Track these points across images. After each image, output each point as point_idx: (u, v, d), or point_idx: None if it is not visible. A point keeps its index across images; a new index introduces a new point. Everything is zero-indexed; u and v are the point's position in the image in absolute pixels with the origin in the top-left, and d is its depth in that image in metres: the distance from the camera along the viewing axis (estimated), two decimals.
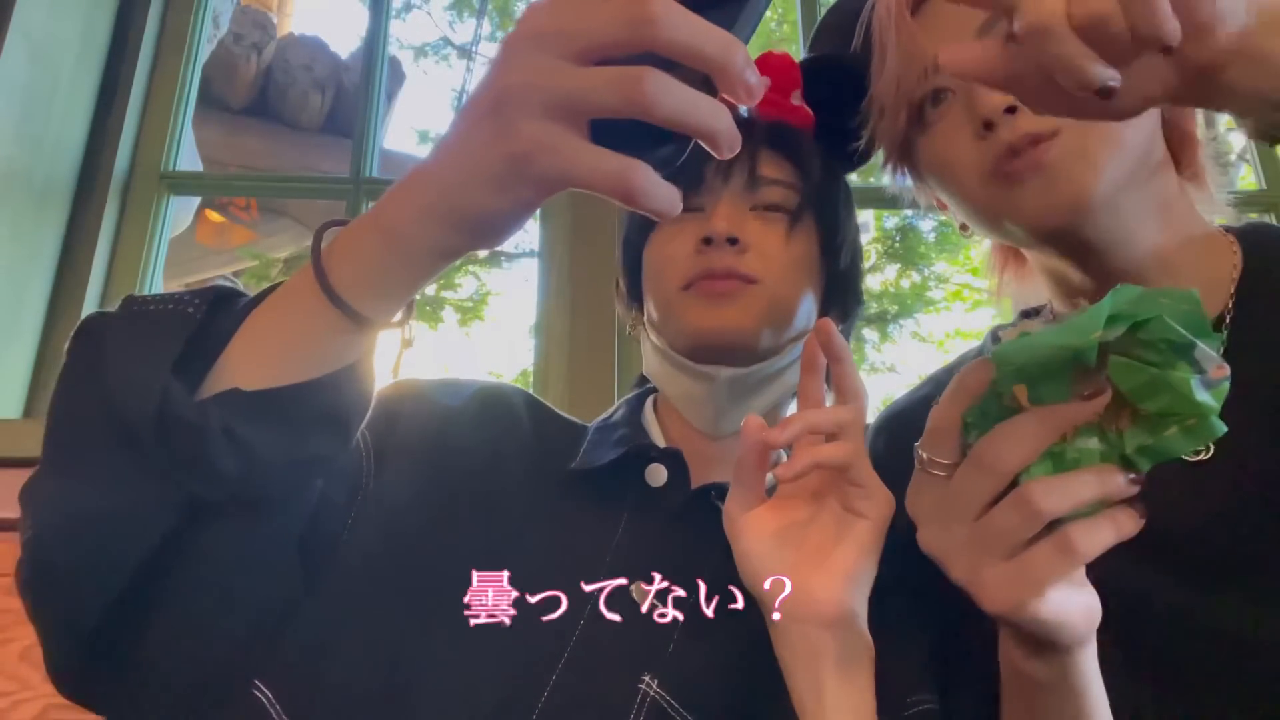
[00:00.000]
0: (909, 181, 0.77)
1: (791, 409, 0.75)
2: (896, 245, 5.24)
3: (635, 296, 0.78)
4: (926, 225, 5.20)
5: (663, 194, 0.37)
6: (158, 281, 1.34)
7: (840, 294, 0.77)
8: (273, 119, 4.43)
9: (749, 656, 0.57)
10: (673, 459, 0.68)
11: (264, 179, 3.15)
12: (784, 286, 0.70)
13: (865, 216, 5.31)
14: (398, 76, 3.94)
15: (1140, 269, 0.65)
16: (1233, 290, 0.66)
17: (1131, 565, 0.49)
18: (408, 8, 5.00)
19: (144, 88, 1.36)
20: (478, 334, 5.00)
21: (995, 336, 0.76)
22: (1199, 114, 0.70)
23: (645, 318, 0.76)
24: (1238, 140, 1.50)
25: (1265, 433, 0.57)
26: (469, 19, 5.31)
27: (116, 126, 1.31)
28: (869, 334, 5.44)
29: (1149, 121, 0.64)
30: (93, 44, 1.33)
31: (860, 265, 0.81)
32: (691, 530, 0.64)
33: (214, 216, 4.44)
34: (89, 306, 1.24)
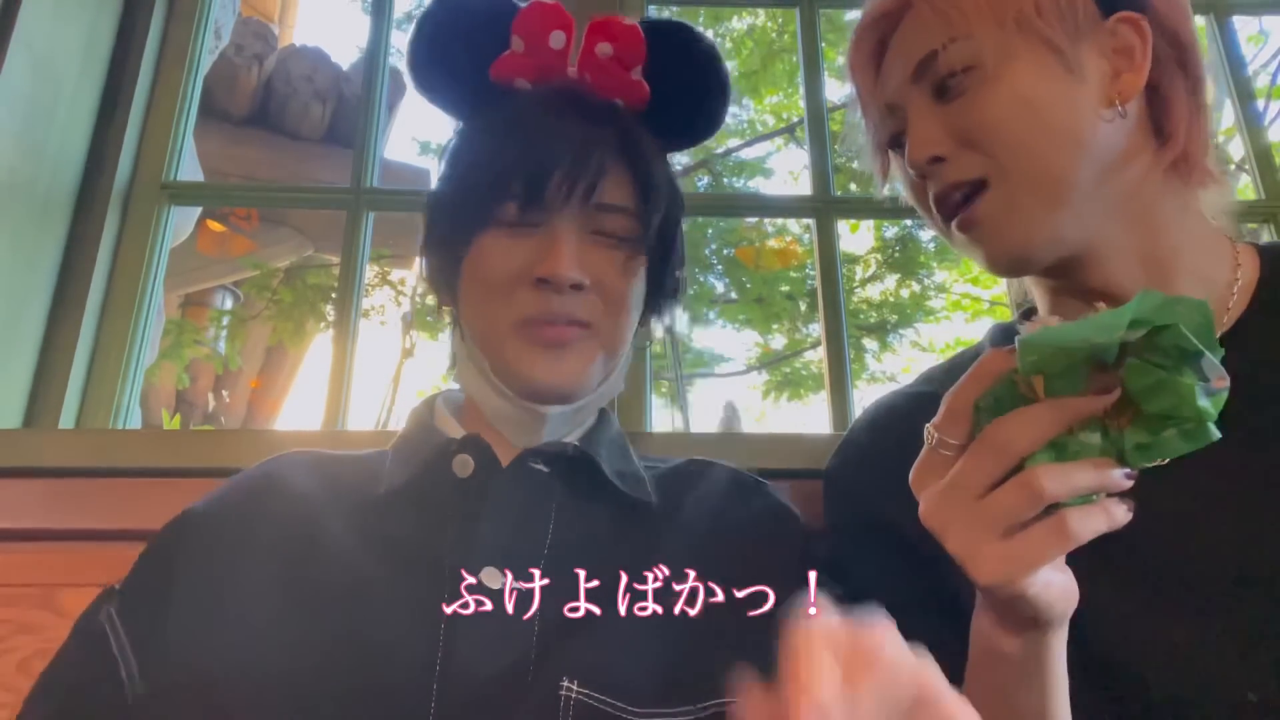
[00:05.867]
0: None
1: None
2: (896, 255, 5.25)
3: (447, 291, 0.73)
4: (926, 235, 5.21)
5: None
6: (159, 291, 1.35)
7: (660, 300, 0.75)
8: (274, 129, 4.45)
9: (611, 614, 0.57)
10: (473, 444, 0.65)
11: (265, 189, 3.16)
12: (617, 327, 0.68)
13: (864, 226, 5.32)
14: (399, 87, 3.95)
15: (1130, 281, 0.66)
16: (1243, 300, 0.66)
17: (1085, 574, 0.51)
18: (409, 18, 5.02)
19: (145, 98, 1.37)
20: None
21: (1001, 330, 0.77)
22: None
23: (464, 324, 0.71)
24: (1236, 150, 1.51)
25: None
26: None
27: (118, 137, 1.32)
28: (869, 343, 5.43)
29: (1111, 143, 0.64)
30: (95, 55, 1.33)
31: (684, 268, 0.78)
32: (519, 502, 0.63)
33: (215, 226, 4.45)
34: (90, 316, 1.24)
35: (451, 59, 0.73)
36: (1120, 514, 0.46)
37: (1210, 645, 0.56)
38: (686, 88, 0.74)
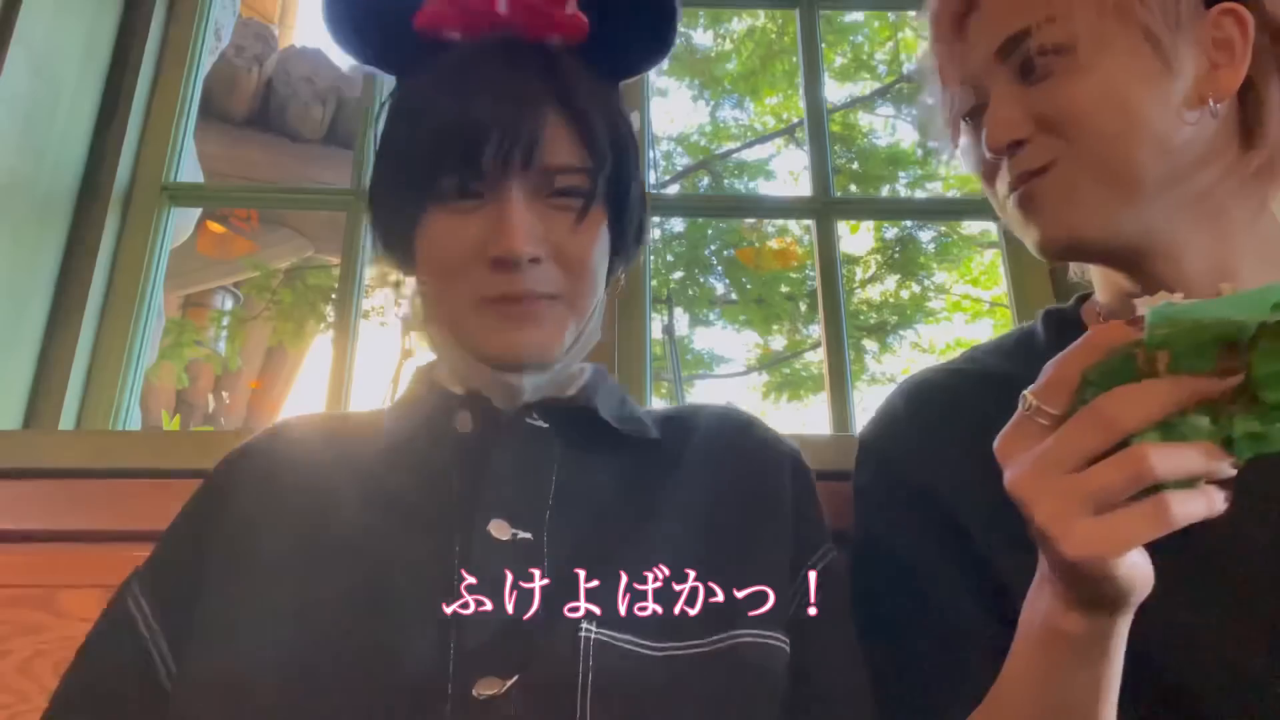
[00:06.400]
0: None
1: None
2: (896, 256, 5.25)
3: (404, 265, 0.70)
4: (926, 236, 5.21)
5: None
6: (159, 292, 1.35)
7: (626, 246, 0.71)
8: (274, 130, 4.45)
9: (598, 549, 0.60)
10: (474, 400, 0.67)
11: (265, 190, 3.16)
12: (583, 292, 0.65)
13: (864, 227, 5.32)
14: None
15: (1185, 280, 0.64)
16: None
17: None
18: None
19: (145, 100, 1.37)
20: None
21: (1057, 315, 0.75)
22: None
23: (424, 297, 0.69)
24: None
25: None
26: None
27: (118, 138, 1.32)
28: (869, 344, 5.44)
29: (1192, 145, 0.61)
30: (95, 56, 1.33)
31: (645, 206, 0.72)
32: (519, 457, 0.64)
33: (215, 227, 4.46)
34: (90, 317, 1.24)
35: (370, 9, 0.68)
36: (1219, 502, 0.44)
37: (1241, 638, 0.55)
38: (627, 9, 0.68)
